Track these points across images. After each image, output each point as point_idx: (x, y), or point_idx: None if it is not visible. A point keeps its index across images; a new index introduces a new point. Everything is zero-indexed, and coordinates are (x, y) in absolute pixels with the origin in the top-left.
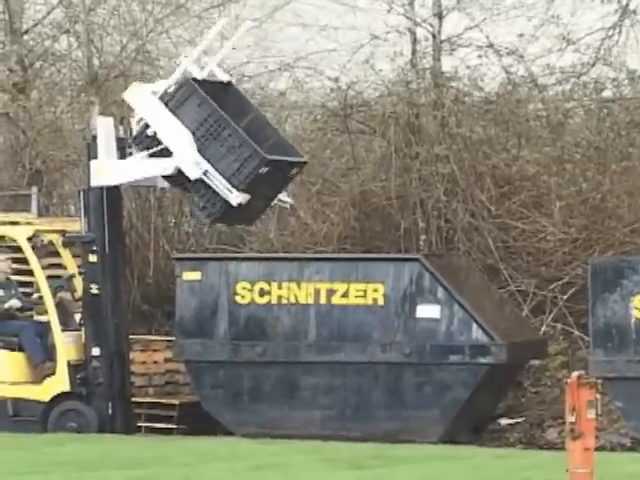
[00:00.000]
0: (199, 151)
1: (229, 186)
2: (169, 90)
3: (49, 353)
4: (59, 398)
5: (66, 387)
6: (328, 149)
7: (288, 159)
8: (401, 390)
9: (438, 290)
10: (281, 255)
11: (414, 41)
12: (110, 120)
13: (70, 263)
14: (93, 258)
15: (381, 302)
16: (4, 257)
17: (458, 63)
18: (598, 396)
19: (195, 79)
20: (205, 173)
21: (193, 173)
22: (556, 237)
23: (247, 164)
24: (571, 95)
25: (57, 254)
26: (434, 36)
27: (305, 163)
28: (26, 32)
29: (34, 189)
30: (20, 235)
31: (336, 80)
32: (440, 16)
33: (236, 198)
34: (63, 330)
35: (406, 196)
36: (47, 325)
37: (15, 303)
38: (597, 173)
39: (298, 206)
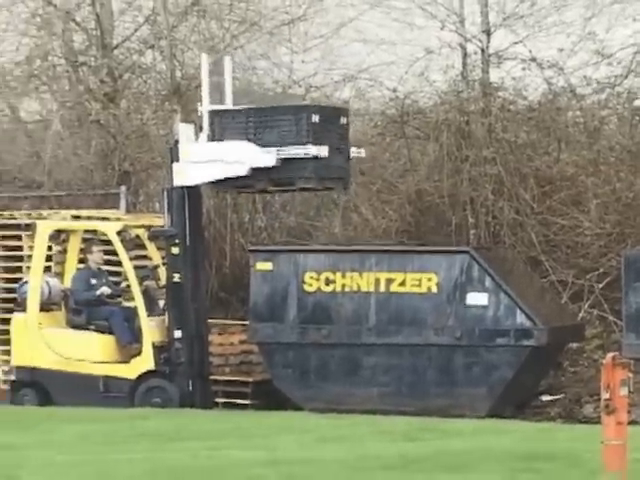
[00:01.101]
0: (259, 144)
1: (301, 146)
2: (208, 132)
3: (136, 335)
4: (145, 376)
5: (151, 366)
6: (387, 152)
7: (331, 105)
8: (452, 370)
9: (486, 279)
10: (345, 248)
11: (465, 55)
12: (191, 126)
13: (155, 255)
14: (175, 250)
15: (434, 290)
16: (97, 249)
17: (504, 75)
18: (630, 375)
19: (214, 111)
20: (278, 152)
21: (269, 160)
22: (592, 232)
23: (299, 121)
24: (606, 104)
25: (143, 247)
26: (482, 50)
27: (347, 110)
28: (116, 47)
29: (122, 188)
30: (110, 229)
31: (394, 90)
32: (488, 32)
33: (315, 150)
34: (148, 315)
35: (457, 195)
36: (134, 310)
37: (105, 290)
38: (630, 174)
39: (360, 204)
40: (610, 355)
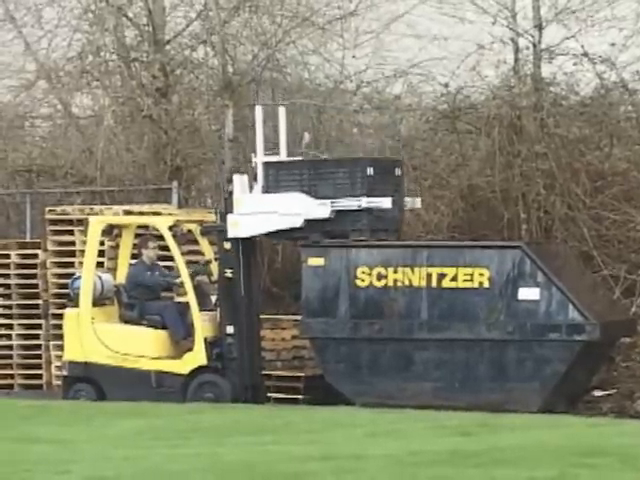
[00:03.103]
0: (314, 196)
1: (355, 198)
2: (263, 184)
3: (189, 330)
4: (197, 371)
5: (203, 361)
6: (439, 148)
7: (386, 157)
8: (504, 364)
9: (538, 274)
10: (397, 243)
11: (516, 50)
12: (245, 178)
13: (207, 250)
14: (228, 245)
15: (486, 285)
16: (153, 245)
17: (556, 70)
18: None
19: (268, 162)
20: (332, 204)
21: (324, 212)
22: None
23: (353, 174)
24: None
25: (195, 242)
26: (534, 45)
27: (401, 161)
28: (168, 42)
29: (174, 183)
30: (162, 224)
31: (446, 85)
32: (540, 27)
33: (368, 203)
34: (200, 310)
35: (509, 190)
36: (187, 305)
37: (178, 280)
38: None
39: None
40: None
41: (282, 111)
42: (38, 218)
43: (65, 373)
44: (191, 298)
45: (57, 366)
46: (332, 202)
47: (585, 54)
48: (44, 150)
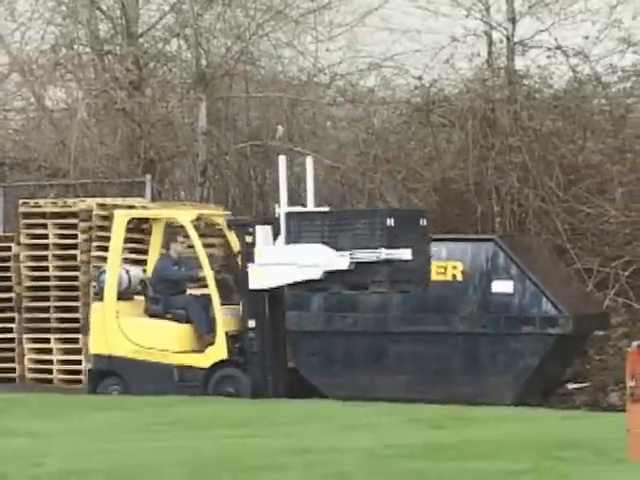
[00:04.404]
0: (334, 248)
1: (375, 250)
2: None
3: (212, 324)
4: (218, 365)
5: (224, 355)
6: (412, 141)
7: (410, 208)
8: (478, 358)
9: (511, 267)
10: None
11: (490, 43)
12: (268, 228)
13: (235, 243)
14: (249, 239)
15: (460, 278)
16: (181, 239)
17: (530, 63)
18: None
19: (290, 213)
20: (351, 256)
21: (343, 264)
22: (618, 220)
23: (373, 225)
24: (632, 92)
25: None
26: (508, 38)
27: (426, 212)
28: (141, 35)
29: (148, 176)
30: (185, 218)
31: (419, 78)
32: (513, 20)
33: (387, 255)
34: (224, 304)
35: (482, 183)
36: (211, 299)
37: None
38: None
39: (385, 192)
40: (635, 343)
41: (310, 161)
42: (11, 211)
43: (90, 366)
44: (213, 292)
45: (30, 359)
46: (351, 254)
47: (558, 47)
48: (17, 143)
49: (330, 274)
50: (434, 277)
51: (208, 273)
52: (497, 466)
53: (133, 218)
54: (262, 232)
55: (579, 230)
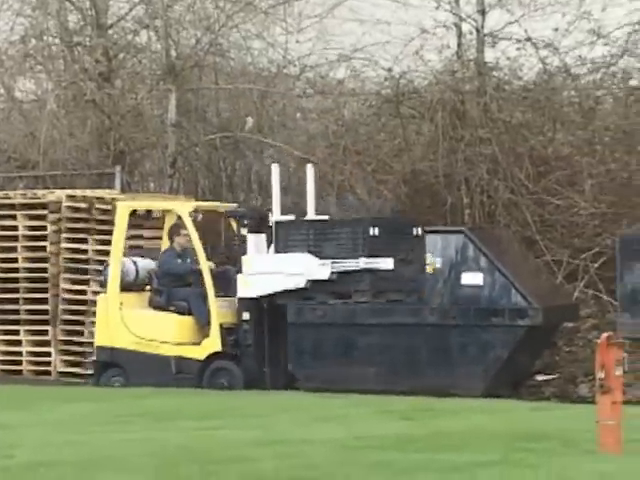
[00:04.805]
0: (315, 255)
1: (355, 260)
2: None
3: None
4: (212, 357)
5: (218, 347)
6: (382, 132)
7: (401, 217)
8: (447, 349)
9: (481, 259)
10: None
11: (459, 35)
12: (262, 237)
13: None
14: (245, 231)
15: (429, 270)
16: (185, 232)
17: (499, 55)
18: (625, 355)
19: (279, 222)
20: (333, 266)
21: (325, 273)
22: (587, 211)
23: (355, 234)
24: (601, 84)
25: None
26: (477, 30)
27: (420, 221)
28: (110, 27)
29: (117, 168)
30: (183, 210)
31: (389, 70)
32: (483, 12)
33: (366, 264)
34: (224, 296)
35: (452, 175)
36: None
37: (211, 264)
38: (624, 154)
39: (355, 183)
40: (605, 335)
41: (310, 170)
42: None
43: (94, 358)
44: (208, 284)
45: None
46: (333, 263)
47: (528, 39)
48: None
49: (315, 283)
50: None
51: (204, 265)
52: (466, 457)
53: (134, 210)
54: (255, 240)
55: (548, 222)
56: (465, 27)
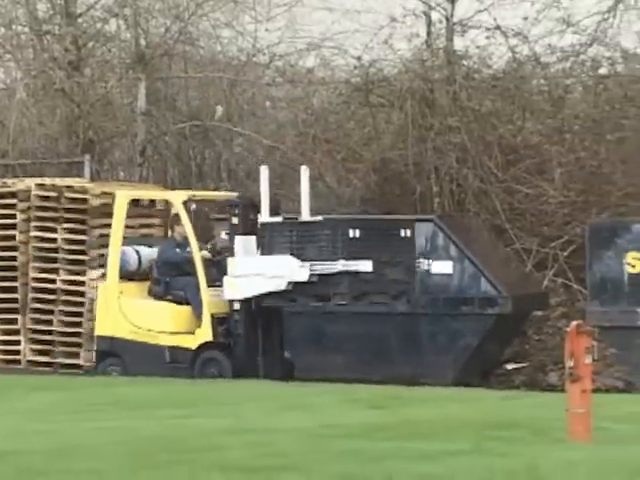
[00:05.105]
0: (298, 258)
1: (333, 262)
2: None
3: None
4: (203, 347)
5: (209, 337)
6: (351, 121)
7: (369, 216)
8: (417, 338)
9: (450, 248)
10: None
11: (429, 23)
12: (250, 239)
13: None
14: (235, 221)
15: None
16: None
17: (469, 43)
18: (594, 343)
19: (265, 224)
20: (311, 268)
21: (303, 275)
22: (557, 200)
23: (334, 236)
24: (570, 72)
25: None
26: (447, 19)
27: (412, 222)
28: (80, 15)
29: (87, 157)
30: (177, 199)
31: (359, 58)
32: (452, 1)
33: (343, 266)
34: (214, 286)
35: (421, 163)
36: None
37: (205, 253)
38: (594, 143)
39: (324, 172)
40: (574, 323)
41: (304, 171)
42: None
43: (95, 347)
44: (200, 273)
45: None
46: (311, 265)
47: (497, 27)
48: None
49: (297, 285)
50: None
51: (196, 255)
52: (436, 446)
53: (134, 199)
54: (242, 242)
55: (518, 210)
56: (435, 15)
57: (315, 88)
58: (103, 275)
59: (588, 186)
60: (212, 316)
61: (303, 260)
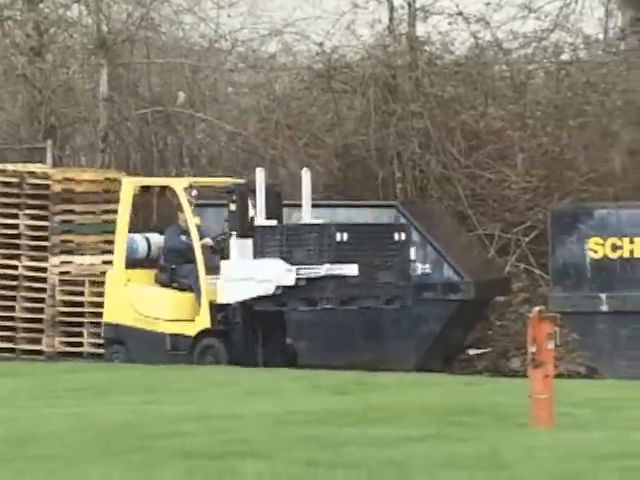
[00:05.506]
0: (287, 261)
1: (319, 266)
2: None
3: None
4: (202, 334)
5: (207, 324)
6: (314, 107)
7: (356, 222)
8: (380, 324)
9: (413, 234)
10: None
11: (391, 9)
12: (246, 242)
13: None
14: (233, 207)
15: None
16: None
17: (431, 29)
18: (557, 329)
19: (258, 227)
20: (298, 272)
21: (290, 279)
22: (519, 185)
23: (321, 240)
24: (533, 58)
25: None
26: (409, 5)
27: (406, 226)
28: (42, 1)
29: (49, 142)
30: (178, 185)
31: (321, 44)
32: None
33: (328, 270)
34: (217, 273)
35: (384, 149)
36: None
37: (208, 241)
38: (556, 128)
39: (287, 158)
40: (536, 309)
41: (306, 174)
42: None
43: (102, 334)
44: (199, 260)
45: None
46: (297, 269)
47: (460, 13)
48: None
49: (287, 289)
50: None
51: (195, 242)
52: (399, 432)
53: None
54: (238, 245)
55: (480, 196)
56: (397, 1)
57: (277, 74)
58: (107, 262)
59: (550, 172)
60: (211, 303)
61: (292, 264)
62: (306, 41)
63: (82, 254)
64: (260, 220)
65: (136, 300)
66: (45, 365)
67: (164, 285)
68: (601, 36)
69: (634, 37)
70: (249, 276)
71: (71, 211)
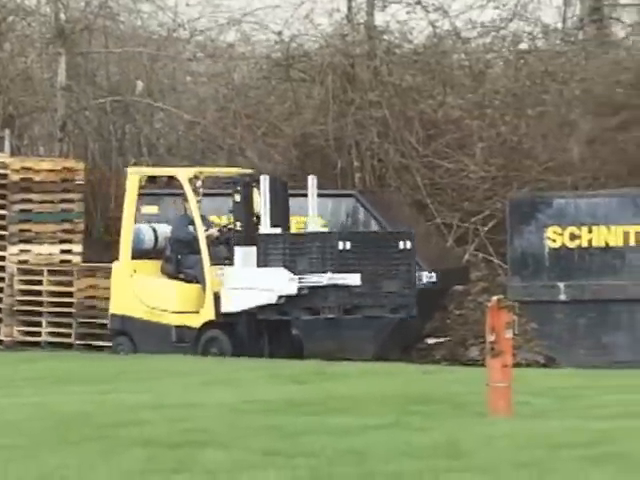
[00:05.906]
0: (290, 270)
1: (326, 275)
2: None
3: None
4: (206, 326)
5: (211, 316)
6: (272, 96)
7: (361, 231)
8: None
9: (372, 223)
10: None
11: None
12: (250, 250)
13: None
14: (238, 198)
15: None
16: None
17: (389, 18)
18: (515, 318)
19: (260, 235)
20: (300, 281)
21: (292, 288)
22: (478, 175)
23: (323, 249)
24: (491, 47)
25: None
26: None
27: (412, 234)
28: None
29: (7, 131)
30: (183, 176)
31: (279, 33)
32: None
33: (330, 279)
34: (218, 264)
35: (342, 138)
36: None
37: (213, 232)
38: (514, 117)
39: (245, 146)
40: (495, 298)
41: (312, 180)
42: None
43: (108, 326)
44: (203, 251)
45: None
46: (300, 278)
47: (418, 2)
48: None
49: (290, 298)
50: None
51: (200, 233)
52: (357, 421)
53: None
54: (242, 254)
55: (439, 185)
56: None
57: (236, 63)
58: (65, 251)
59: (509, 161)
60: (215, 295)
61: (295, 273)
62: (265, 30)
63: (40, 243)
64: (264, 228)
65: (142, 291)
66: (3, 354)
67: (170, 276)
68: (560, 25)
69: (592, 26)
70: (252, 285)
71: (29, 200)
